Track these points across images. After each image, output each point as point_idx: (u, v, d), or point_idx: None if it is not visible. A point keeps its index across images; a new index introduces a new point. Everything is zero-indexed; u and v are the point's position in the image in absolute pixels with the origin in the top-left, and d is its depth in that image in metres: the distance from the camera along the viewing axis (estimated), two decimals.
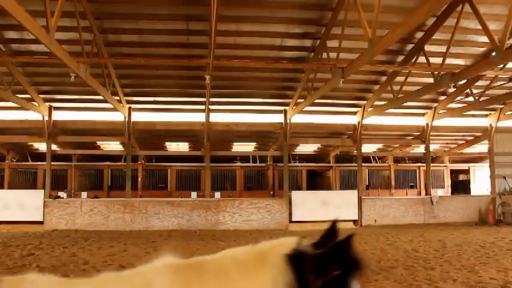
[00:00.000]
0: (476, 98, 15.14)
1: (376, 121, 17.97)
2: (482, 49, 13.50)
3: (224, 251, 1.31)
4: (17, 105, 14.40)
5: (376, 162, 22.23)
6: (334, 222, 1.29)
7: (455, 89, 14.99)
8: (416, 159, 22.06)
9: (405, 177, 21.77)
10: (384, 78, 15.19)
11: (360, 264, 1.20)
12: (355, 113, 17.46)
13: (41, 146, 18.99)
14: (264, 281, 1.16)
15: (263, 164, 21.00)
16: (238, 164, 21.13)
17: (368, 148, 20.86)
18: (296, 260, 1.17)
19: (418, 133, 19.14)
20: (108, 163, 20.38)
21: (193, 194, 18.81)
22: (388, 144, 21.70)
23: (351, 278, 1.20)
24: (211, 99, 15.60)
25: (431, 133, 18.34)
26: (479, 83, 15.03)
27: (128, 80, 15.08)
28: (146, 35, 12.61)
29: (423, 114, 18.10)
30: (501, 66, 12.51)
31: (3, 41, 12.41)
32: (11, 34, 12.12)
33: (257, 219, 15.72)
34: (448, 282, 6.76)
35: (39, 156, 19.30)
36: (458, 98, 16.17)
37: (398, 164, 22.01)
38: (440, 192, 20.45)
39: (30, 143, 19.35)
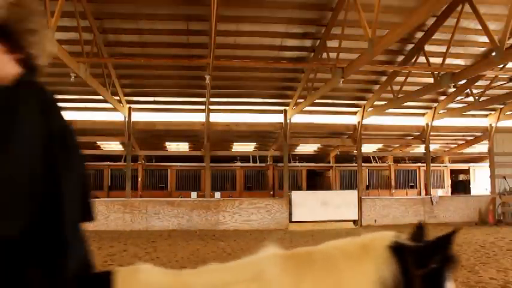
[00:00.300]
0: (476, 98, 15.14)
1: (376, 121, 17.98)
2: (482, 49, 13.50)
3: (326, 243, 1.38)
4: None
5: (376, 162, 22.22)
6: (421, 222, 1.41)
7: (455, 89, 14.99)
8: (416, 159, 22.05)
9: (405, 177, 21.76)
10: (384, 78, 15.19)
11: (455, 260, 1.29)
12: (355, 113, 17.46)
13: None
14: (369, 270, 1.23)
15: (263, 164, 21.00)
16: (238, 164, 21.12)
17: (368, 148, 20.85)
18: (397, 251, 1.26)
19: (418, 133, 19.14)
20: (108, 163, 20.37)
21: (193, 194, 18.79)
22: (388, 144, 21.71)
23: (447, 272, 1.28)
24: (211, 99, 15.60)
25: (431, 133, 18.34)
26: (479, 83, 15.03)
27: (127, 80, 15.08)
28: (146, 35, 12.61)
29: (423, 114, 18.10)
30: (501, 66, 12.50)
31: None
32: None
33: (257, 219, 15.72)
34: None
35: None
36: (458, 98, 16.17)
37: (398, 164, 22.00)
38: (440, 192, 20.43)
39: None
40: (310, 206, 16.02)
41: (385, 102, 15.65)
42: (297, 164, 21.05)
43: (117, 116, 16.58)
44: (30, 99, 1.27)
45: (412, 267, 1.24)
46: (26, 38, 1.37)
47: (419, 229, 1.37)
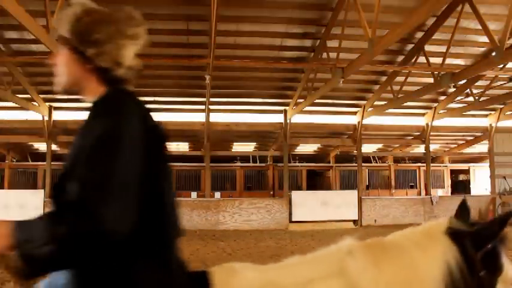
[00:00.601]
0: (476, 98, 15.13)
1: (376, 121, 17.97)
2: (482, 49, 13.50)
3: (393, 234, 1.50)
4: (17, 105, 14.41)
5: (376, 162, 22.22)
6: (465, 200, 1.51)
7: (455, 89, 14.98)
8: (416, 159, 22.04)
9: (405, 177, 21.74)
10: (384, 78, 15.19)
11: (508, 239, 1.38)
12: (355, 113, 17.46)
13: (41, 146, 18.98)
14: (436, 255, 1.34)
15: (263, 164, 20.99)
16: (238, 164, 21.11)
17: (368, 148, 20.84)
18: (456, 236, 1.36)
19: (418, 133, 19.14)
20: None
21: (193, 194, 18.78)
22: (388, 144, 21.70)
23: (502, 251, 1.38)
24: (211, 99, 15.59)
25: (431, 133, 18.34)
26: (479, 83, 15.02)
27: None
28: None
29: (423, 114, 18.10)
30: (501, 66, 12.48)
31: (3, 41, 12.40)
32: (11, 34, 12.11)
33: (257, 219, 15.72)
34: None
35: (39, 156, 19.28)
36: (458, 98, 16.16)
37: (398, 164, 21.98)
38: (440, 192, 20.43)
39: (30, 143, 19.33)
40: (310, 206, 16.03)
41: (385, 102, 15.65)
42: (297, 164, 21.04)
43: None
44: (131, 106, 1.33)
45: (470, 250, 1.33)
46: (90, 50, 1.40)
47: (463, 205, 1.48)
